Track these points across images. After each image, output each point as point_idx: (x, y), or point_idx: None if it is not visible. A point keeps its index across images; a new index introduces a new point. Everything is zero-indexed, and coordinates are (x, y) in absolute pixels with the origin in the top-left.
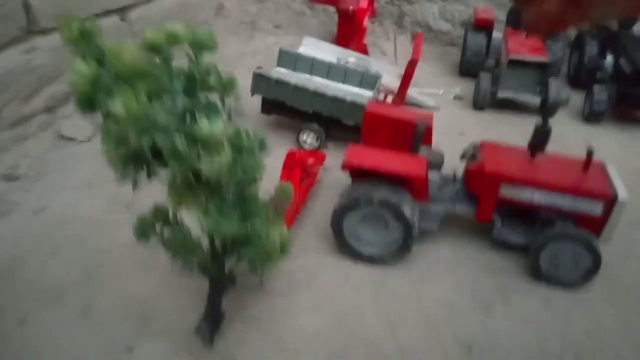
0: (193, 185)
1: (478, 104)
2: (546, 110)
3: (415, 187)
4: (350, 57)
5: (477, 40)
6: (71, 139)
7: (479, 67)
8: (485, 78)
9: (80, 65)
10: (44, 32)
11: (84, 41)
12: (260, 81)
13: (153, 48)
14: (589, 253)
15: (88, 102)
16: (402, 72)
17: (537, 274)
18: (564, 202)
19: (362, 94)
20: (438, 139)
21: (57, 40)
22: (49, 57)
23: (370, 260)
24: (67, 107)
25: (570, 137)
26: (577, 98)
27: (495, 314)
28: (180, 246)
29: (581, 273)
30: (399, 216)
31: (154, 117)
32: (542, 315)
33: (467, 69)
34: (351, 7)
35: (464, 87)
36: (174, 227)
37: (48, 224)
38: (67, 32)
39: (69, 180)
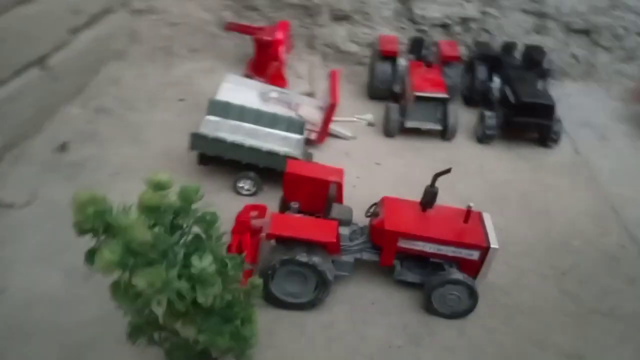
0: (189, 311)
1: (389, 132)
2: (435, 176)
3: (328, 247)
4: (272, 92)
5: (384, 68)
6: (9, 206)
7: (386, 93)
8: (393, 109)
9: (107, 254)
10: None
11: (97, 220)
12: (198, 140)
13: (151, 210)
14: (469, 292)
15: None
16: (320, 103)
17: (430, 309)
18: (449, 251)
19: (290, 140)
20: (357, 171)
21: None
22: None
23: (300, 307)
24: None
25: (466, 158)
26: (471, 118)
27: (424, 345)
28: (181, 349)
29: (464, 307)
30: (315, 270)
31: (167, 280)
32: (459, 342)
33: (376, 94)
34: (267, 38)
35: (374, 112)
36: (173, 335)
37: (12, 307)
38: (82, 215)
39: (19, 253)
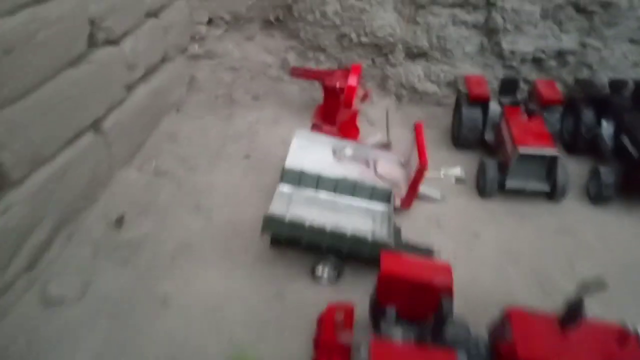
0: None
1: (485, 193)
2: (581, 289)
3: None
4: (347, 148)
5: (473, 115)
6: (59, 302)
7: (475, 142)
8: (491, 167)
9: None
10: (17, 183)
11: None
12: (270, 222)
13: None
14: None
15: None
16: (401, 158)
17: None
18: None
19: (376, 213)
20: (452, 246)
21: (32, 187)
22: (25, 209)
23: None
24: (48, 257)
25: (580, 226)
26: (577, 170)
27: None
28: None
29: None
30: None
31: None
32: None
33: (463, 144)
34: (338, 84)
35: (464, 163)
36: None
37: None
38: None
39: None
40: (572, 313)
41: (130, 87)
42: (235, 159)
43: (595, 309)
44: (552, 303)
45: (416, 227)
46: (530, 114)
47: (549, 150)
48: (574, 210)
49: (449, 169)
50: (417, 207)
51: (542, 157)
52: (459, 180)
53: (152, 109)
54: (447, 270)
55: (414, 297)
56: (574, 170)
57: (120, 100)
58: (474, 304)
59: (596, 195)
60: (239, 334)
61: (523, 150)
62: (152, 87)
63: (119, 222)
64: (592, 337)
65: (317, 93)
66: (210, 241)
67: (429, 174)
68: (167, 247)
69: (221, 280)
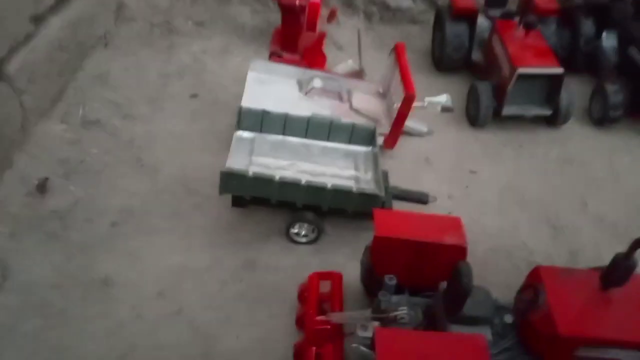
0: None
1: (478, 122)
2: (633, 246)
3: None
4: (315, 79)
5: (458, 31)
6: None
7: (460, 63)
8: (484, 91)
9: None
10: None
11: None
12: (230, 180)
13: None
14: None
15: None
16: (379, 88)
17: None
18: None
19: (358, 155)
20: (447, 187)
21: None
22: None
23: None
24: None
25: (587, 154)
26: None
27: None
28: None
29: None
30: None
31: None
32: None
33: (447, 66)
34: (298, 2)
35: (450, 89)
36: None
37: None
38: None
39: None
40: (619, 270)
41: (38, 20)
42: (180, 101)
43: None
44: (567, 245)
45: (403, 168)
46: (528, 27)
47: (554, 69)
48: (576, 136)
49: (434, 97)
50: (402, 144)
51: (544, 78)
52: (445, 109)
53: (71, 46)
54: (457, 224)
55: (419, 263)
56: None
57: (27, 37)
58: (479, 254)
59: (601, 118)
60: (203, 319)
61: (523, 70)
62: (68, 18)
63: (42, 188)
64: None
65: (273, 15)
66: (158, 205)
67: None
68: (105, 215)
69: (174, 253)
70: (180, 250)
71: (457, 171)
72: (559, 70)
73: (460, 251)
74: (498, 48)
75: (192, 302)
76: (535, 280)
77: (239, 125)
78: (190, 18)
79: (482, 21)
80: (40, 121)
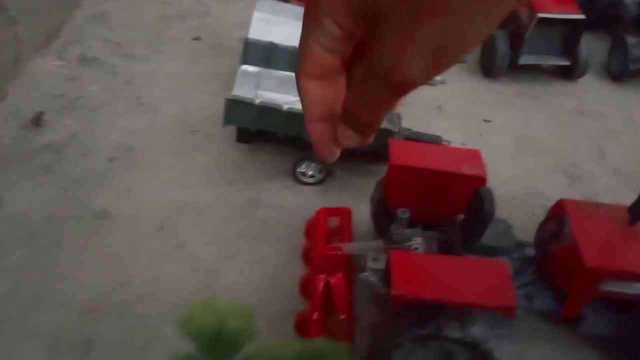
0: None
1: (493, 72)
2: None
3: (501, 311)
4: None
5: None
6: None
7: None
8: (501, 39)
9: None
10: None
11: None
12: (235, 108)
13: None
14: None
15: None
16: None
17: None
18: None
19: None
20: (460, 135)
21: None
22: None
23: None
24: None
25: (604, 107)
26: (591, 46)
27: None
28: None
29: None
30: (472, 349)
31: None
32: None
33: None
34: None
35: None
36: None
37: None
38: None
39: None
40: None
41: None
42: (183, 43)
43: None
44: (585, 194)
45: (414, 115)
46: None
47: (574, 14)
48: (593, 89)
49: None
50: (413, 92)
51: (564, 23)
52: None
53: None
54: (476, 156)
55: (434, 195)
56: (591, 51)
57: None
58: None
59: (620, 71)
60: (204, 254)
61: (543, 14)
62: None
63: (37, 121)
64: None
65: None
66: (157, 142)
67: None
68: (101, 151)
69: (175, 189)
70: (181, 186)
71: (470, 119)
72: (579, 15)
73: (479, 182)
74: None
75: (193, 238)
76: (558, 212)
77: (245, 59)
78: None
79: None
80: (36, 56)
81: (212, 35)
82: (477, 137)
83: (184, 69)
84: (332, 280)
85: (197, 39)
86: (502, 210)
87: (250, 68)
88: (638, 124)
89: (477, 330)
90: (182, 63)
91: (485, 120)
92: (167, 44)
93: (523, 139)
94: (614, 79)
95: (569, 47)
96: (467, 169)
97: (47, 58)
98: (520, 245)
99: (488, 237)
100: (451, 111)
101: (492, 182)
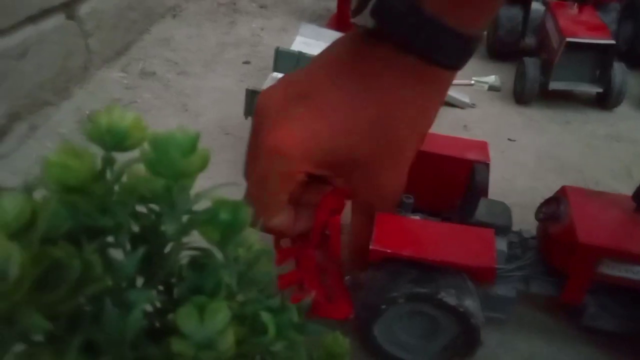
0: None
1: (523, 98)
2: None
3: (480, 274)
4: None
5: (511, 14)
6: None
7: (514, 49)
8: (531, 65)
9: None
10: None
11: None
12: (255, 99)
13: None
14: None
15: None
16: None
17: None
18: None
19: None
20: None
21: None
22: None
23: None
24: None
25: (636, 133)
26: (632, 80)
27: None
28: None
29: None
30: (455, 311)
31: None
32: None
33: (499, 50)
34: None
35: (499, 73)
36: None
37: None
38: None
39: None
40: None
41: None
42: (233, 65)
43: None
44: None
45: (439, 131)
46: (581, 3)
47: (604, 39)
48: (630, 118)
49: (483, 77)
50: (442, 113)
51: (594, 49)
52: (492, 88)
53: (142, 8)
54: (483, 146)
55: (439, 180)
56: (631, 82)
57: None
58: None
59: None
60: None
61: (572, 39)
62: None
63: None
64: None
65: (332, 3)
66: None
67: (457, 80)
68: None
69: (200, 178)
70: (206, 178)
71: (495, 138)
72: (609, 40)
73: (484, 167)
74: (550, 25)
75: None
76: (561, 195)
77: (275, 67)
78: (254, 1)
79: (537, 6)
80: (103, 67)
81: (261, 60)
82: (500, 153)
83: (230, 86)
84: (331, 220)
85: (247, 62)
86: (515, 216)
87: (280, 75)
88: None
89: (470, 304)
90: (230, 81)
91: (509, 139)
92: (219, 65)
93: (546, 157)
94: None
95: (601, 74)
96: (471, 155)
97: (113, 70)
98: (521, 229)
99: (483, 215)
100: (476, 130)
101: (507, 192)
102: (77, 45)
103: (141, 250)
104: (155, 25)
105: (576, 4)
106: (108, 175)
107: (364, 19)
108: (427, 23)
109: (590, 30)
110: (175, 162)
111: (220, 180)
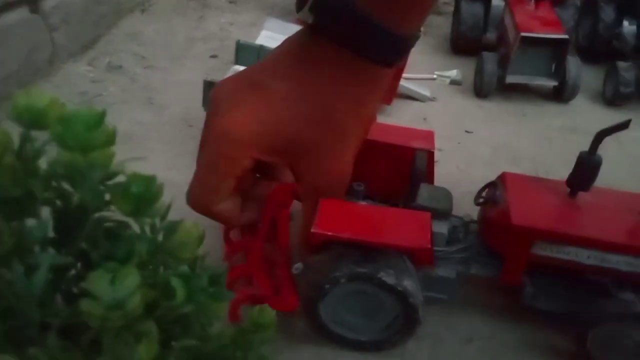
0: None
1: (482, 91)
2: (596, 138)
3: (416, 256)
4: None
5: (473, 10)
6: None
7: (476, 44)
8: (489, 59)
9: None
10: None
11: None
12: (210, 90)
13: None
14: None
15: None
16: None
17: (584, 358)
18: (623, 263)
19: None
20: (440, 143)
21: None
22: None
23: (363, 347)
24: None
25: (594, 127)
26: (592, 77)
27: None
28: None
29: None
30: (401, 299)
31: None
32: None
33: (462, 46)
34: None
35: (461, 68)
36: None
37: None
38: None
39: None
40: (586, 173)
41: None
42: (201, 59)
43: None
44: None
45: (400, 123)
46: (537, 2)
47: (557, 34)
48: (585, 110)
49: (444, 72)
50: (402, 106)
51: (548, 44)
52: (454, 82)
53: (110, 3)
54: (429, 135)
55: (386, 168)
56: (589, 76)
57: None
58: (457, 195)
59: (614, 95)
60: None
61: (527, 33)
62: None
63: None
64: (610, 204)
65: None
66: (157, 133)
67: (419, 74)
68: None
69: (163, 168)
70: (169, 167)
71: (453, 130)
72: (563, 35)
73: (427, 155)
74: (507, 20)
75: (176, 207)
76: (499, 181)
77: (237, 60)
78: None
79: (498, 4)
80: (69, 61)
81: (229, 54)
82: (456, 144)
83: (196, 80)
84: (279, 214)
85: (214, 56)
86: (466, 203)
87: (241, 68)
88: (624, 142)
89: (409, 284)
90: (197, 75)
91: (467, 131)
92: (187, 59)
93: (502, 148)
94: (608, 104)
95: (556, 68)
96: (415, 143)
97: (79, 64)
98: (462, 215)
99: (424, 199)
100: (435, 122)
101: (461, 181)
102: (42, 39)
103: (50, 218)
104: (124, 20)
105: (533, 0)
106: (28, 151)
107: (305, 15)
108: (359, 21)
109: (544, 26)
110: (79, 136)
111: (183, 171)
